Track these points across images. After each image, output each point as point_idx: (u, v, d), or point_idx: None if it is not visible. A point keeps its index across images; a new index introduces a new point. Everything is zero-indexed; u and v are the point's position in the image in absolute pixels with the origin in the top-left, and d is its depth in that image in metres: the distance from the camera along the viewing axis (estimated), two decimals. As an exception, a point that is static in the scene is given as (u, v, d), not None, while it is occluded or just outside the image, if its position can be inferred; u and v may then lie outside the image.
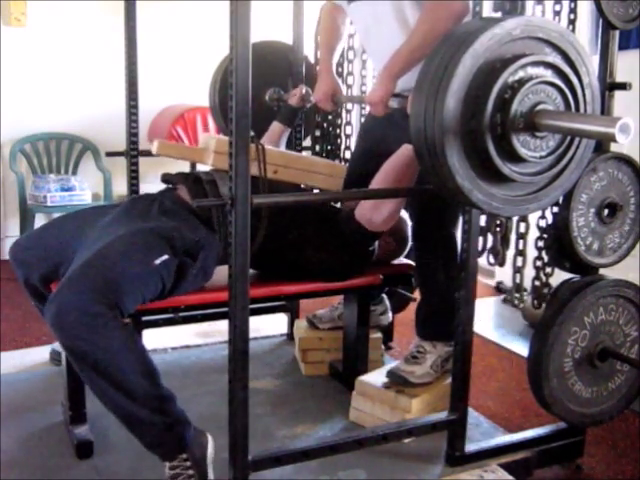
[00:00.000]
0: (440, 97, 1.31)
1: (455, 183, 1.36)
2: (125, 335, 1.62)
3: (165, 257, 1.71)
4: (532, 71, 1.36)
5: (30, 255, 1.95)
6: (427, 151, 1.37)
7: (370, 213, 1.95)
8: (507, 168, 1.38)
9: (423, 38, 1.82)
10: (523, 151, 1.37)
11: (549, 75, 1.38)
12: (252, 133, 1.96)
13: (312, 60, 2.64)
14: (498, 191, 1.42)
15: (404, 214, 2.21)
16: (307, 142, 2.71)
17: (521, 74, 1.35)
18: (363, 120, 2.51)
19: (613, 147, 1.86)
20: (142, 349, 1.66)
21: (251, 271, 1.51)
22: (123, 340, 1.60)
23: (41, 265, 1.90)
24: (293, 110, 2.39)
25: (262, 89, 2.50)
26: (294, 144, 2.62)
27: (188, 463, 1.66)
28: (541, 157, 1.41)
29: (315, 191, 2.14)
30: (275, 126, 2.39)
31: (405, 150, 1.89)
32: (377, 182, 1.94)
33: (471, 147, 1.35)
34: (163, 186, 2.09)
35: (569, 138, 1.44)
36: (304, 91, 2.35)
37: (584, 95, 1.43)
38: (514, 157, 1.38)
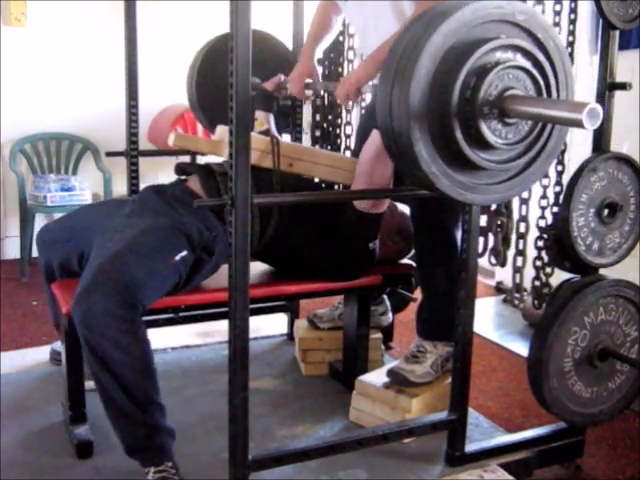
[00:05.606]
0: (406, 80, 1.25)
1: (421, 170, 1.30)
2: (144, 338, 1.69)
3: (184, 253, 1.78)
4: (500, 55, 1.28)
5: (54, 236, 2.03)
6: (393, 138, 1.31)
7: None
8: (475, 155, 1.32)
9: None
10: (491, 137, 1.30)
11: (518, 58, 1.30)
12: (267, 126, 1.97)
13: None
14: (466, 179, 1.35)
15: (407, 210, 2.21)
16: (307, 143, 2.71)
17: (489, 58, 1.27)
18: (359, 120, 2.51)
19: (613, 147, 1.87)
20: (151, 353, 1.72)
21: (252, 270, 1.51)
22: (142, 344, 1.68)
23: (63, 247, 1.97)
24: (267, 95, 2.33)
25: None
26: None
27: (174, 470, 1.71)
28: (509, 144, 1.34)
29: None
30: (258, 114, 2.35)
31: (375, 135, 1.87)
32: (357, 172, 1.96)
33: (438, 133, 1.29)
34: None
35: (540, 126, 1.36)
36: (282, 79, 2.32)
37: (555, 75, 1.35)
38: (482, 143, 1.31)
